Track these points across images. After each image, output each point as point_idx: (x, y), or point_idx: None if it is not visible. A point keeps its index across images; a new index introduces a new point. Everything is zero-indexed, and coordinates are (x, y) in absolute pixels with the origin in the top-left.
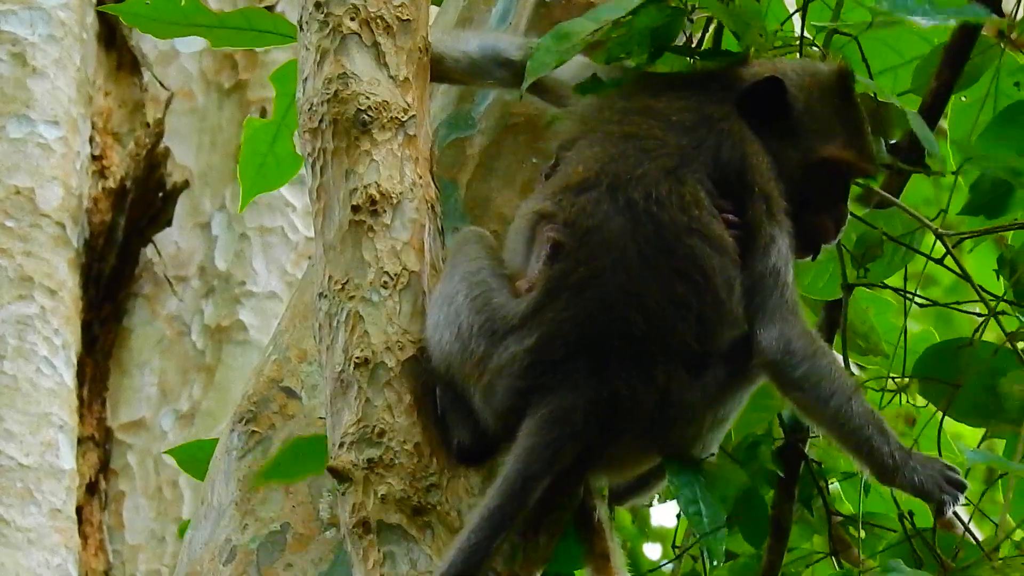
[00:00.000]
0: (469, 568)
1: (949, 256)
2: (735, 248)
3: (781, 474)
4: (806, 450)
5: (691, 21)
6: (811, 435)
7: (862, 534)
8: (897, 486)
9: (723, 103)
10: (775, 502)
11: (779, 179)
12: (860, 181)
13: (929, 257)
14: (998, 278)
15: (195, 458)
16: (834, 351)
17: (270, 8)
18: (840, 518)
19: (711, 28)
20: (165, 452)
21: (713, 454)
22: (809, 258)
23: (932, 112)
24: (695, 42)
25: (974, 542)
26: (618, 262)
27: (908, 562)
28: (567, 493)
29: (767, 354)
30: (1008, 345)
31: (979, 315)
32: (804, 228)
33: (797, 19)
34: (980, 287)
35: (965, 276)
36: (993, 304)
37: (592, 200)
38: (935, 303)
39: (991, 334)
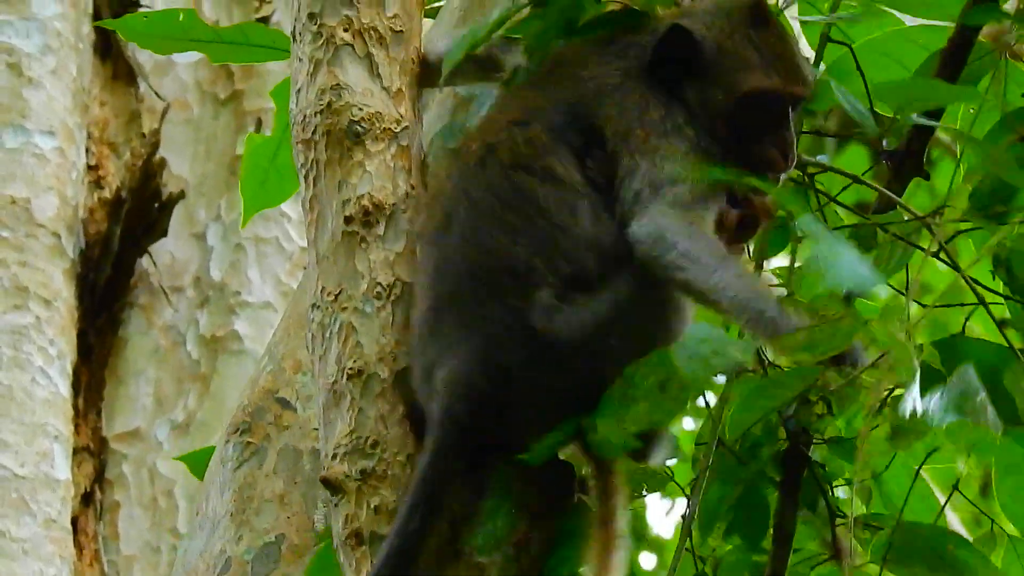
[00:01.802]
0: (404, 545)
1: (943, 252)
2: (579, 181)
3: (782, 479)
4: (809, 453)
5: (599, 2)
6: (815, 440)
7: (864, 535)
8: (783, 348)
9: (612, 61)
10: (778, 508)
11: (708, 123)
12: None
13: (923, 249)
14: (993, 278)
15: (203, 464)
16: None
17: (266, 18)
18: (843, 520)
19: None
20: (175, 458)
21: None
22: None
23: (929, 117)
24: None
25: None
26: (453, 215)
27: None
28: (558, 491)
29: (639, 245)
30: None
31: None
32: (753, 163)
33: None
34: (971, 278)
35: (956, 267)
36: (985, 296)
37: (443, 171)
38: (931, 305)
39: (987, 334)
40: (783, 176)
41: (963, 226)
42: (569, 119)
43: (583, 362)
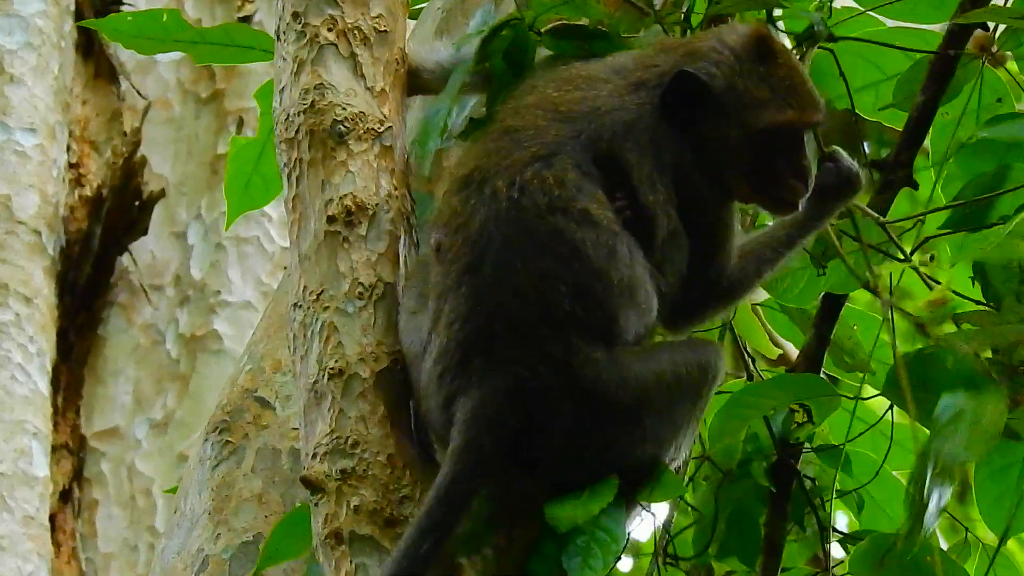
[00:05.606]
0: (413, 569)
1: (919, 264)
2: (613, 220)
3: (774, 490)
4: (799, 467)
5: (539, 34)
6: (804, 450)
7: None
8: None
9: (623, 94)
10: (768, 520)
11: (726, 156)
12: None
13: (889, 255)
14: (973, 284)
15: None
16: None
17: (248, 17)
18: (838, 536)
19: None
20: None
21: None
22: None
23: (919, 126)
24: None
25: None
26: (484, 252)
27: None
28: (529, 499)
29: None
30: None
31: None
32: (774, 191)
33: None
34: (954, 291)
35: (928, 278)
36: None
37: (463, 198)
38: (909, 314)
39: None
40: (802, 201)
41: (947, 244)
42: (591, 155)
43: (615, 415)
